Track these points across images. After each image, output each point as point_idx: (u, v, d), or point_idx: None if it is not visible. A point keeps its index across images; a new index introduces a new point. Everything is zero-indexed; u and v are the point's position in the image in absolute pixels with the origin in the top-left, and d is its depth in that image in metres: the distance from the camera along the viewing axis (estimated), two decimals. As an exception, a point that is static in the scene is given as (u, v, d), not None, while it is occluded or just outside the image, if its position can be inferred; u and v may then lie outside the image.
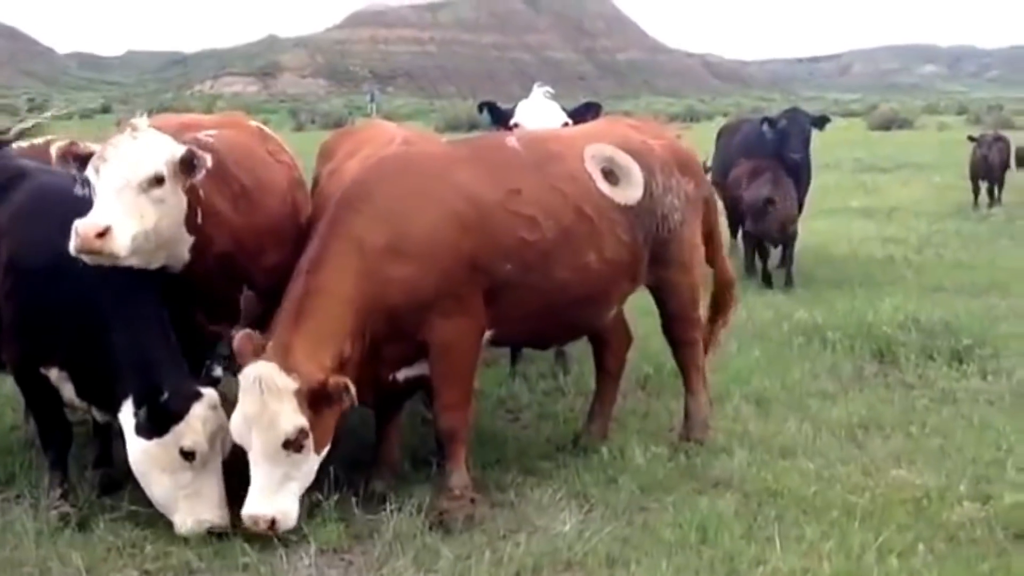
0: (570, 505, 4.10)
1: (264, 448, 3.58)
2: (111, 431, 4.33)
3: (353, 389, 3.62)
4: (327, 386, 3.61)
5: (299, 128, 36.93)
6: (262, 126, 5.07)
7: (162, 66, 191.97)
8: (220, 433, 3.80)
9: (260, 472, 3.62)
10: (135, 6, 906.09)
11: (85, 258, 3.62)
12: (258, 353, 3.68)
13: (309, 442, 3.62)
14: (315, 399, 3.61)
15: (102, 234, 3.58)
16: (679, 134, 5.23)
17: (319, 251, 3.88)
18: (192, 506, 3.79)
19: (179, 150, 3.79)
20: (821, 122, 9.43)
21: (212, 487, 3.82)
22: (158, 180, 3.73)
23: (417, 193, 4.02)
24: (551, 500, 4.15)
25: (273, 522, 3.64)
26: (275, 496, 3.63)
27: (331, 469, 3.95)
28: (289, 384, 3.56)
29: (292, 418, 3.56)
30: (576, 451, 4.72)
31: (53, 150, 3.88)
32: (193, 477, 3.79)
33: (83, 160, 3.81)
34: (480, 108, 6.53)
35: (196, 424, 3.75)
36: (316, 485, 3.87)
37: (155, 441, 3.76)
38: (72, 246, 3.59)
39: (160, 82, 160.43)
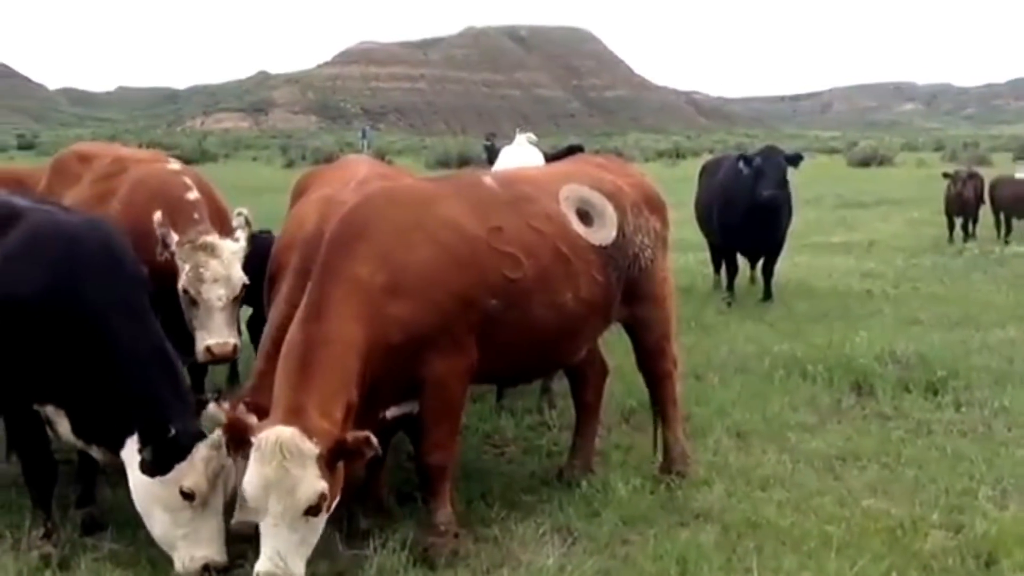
0: (553, 539, 4.16)
1: (284, 514, 3.42)
2: (95, 470, 4.34)
3: (375, 441, 3.50)
4: (347, 443, 3.47)
5: (290, 164, 37.07)
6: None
7: (153, 102, 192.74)
8: (222, 473, 3.79)
9: (277, 537, 3.43)
10: (127, 42, 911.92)
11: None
12: (261, 417, 3.59)
13: (327, 504, 3.51)
14: (333, 460, 3.48)
15: (233, 349, 4.86)
16: (643, 172, 5.34)
17: (318, 297, 3.77)
18: (190, 545, 3.76)
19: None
20: (795, 160, 9.51)
21: (211, 526, 3.79)
22: (245, 285, 4.93)
23: (409, 228, 3.98)
24: (535, 534, 4.20)
25: None
26: (290, 560, 3.44)
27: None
28: (311, 449, 3.40)
29: (315, 484, 3.41)
30: (560, 485, 4.78)
31: (156, 216, 4.85)
32: (192, 516, 3.76)
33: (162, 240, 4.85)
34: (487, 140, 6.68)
35: (199, 464, 3.73)
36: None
37: (158, 479, 3.75)
38: (205, 358, 4.84)
39: (151, 118, 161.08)
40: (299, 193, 5.41)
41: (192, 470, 3.73)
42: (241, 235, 4.98)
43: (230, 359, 5.10)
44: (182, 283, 4.78)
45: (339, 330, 3.70)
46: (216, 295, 4.78)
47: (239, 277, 4.84)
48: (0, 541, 4.16)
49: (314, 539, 3.54)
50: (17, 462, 4.39)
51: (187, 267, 4.77)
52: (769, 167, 9.19)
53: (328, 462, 3.45)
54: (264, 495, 3.42)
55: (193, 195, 5.25)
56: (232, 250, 4.87)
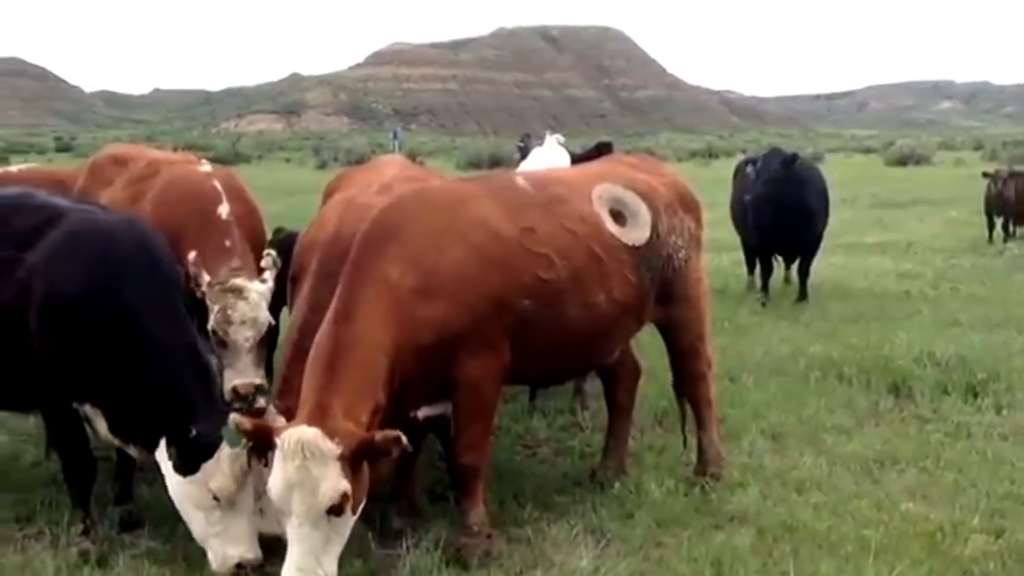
0: (587, 540, 4.15)
1: (307, 514, 3.42)
2: (133, 468, 4.40)
3: (404, 440, 3.47)
4: (371, 444, 3.47)
5: (322, 166, 37.32)
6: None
7: (188, 104, 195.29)
8: (251, 471, 3.79)
9: (301, 537, 3.44)
10: (162, 45, 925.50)
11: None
12: (289, 419, 3.62)
13: (350, 504, 3.48)
14: (357, 460, 3.47)
15: (257, 388, 4.85)
16: (675, 171, 5.31)
17: (346, 299, 3.77)
18: (221, 544, 3.78)
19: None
20: (791, 161, 9.46)
21: (241, 525, 3.80)
22: (271, 327, 5.03)
23: (440, 230, 3.98)
24: (568, 536, 4.20)
25: None
26: (317, 560, 3.44)
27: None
28: (333, 450, 3.41)
29: (336, 484, 3.41)
30: (593, 486, 4.77)
31: (191, 256, 4.96)
32: (222, 515, 3.78)
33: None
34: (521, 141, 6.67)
35: (224, 464, 3.75)
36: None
37: (189, 479, 3.80)
38: (231, 398, 4.75)
39: (186, 120, 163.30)
40: (330, 194, 5.46)
41: (218, 469, 3.75)
42: (269, 276, 5.05)
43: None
44: (211, 324, 4.91)
45: (367, 331, 3.70)
46: (243, 337, 4.89)
47: (265, 318, 4.95)
48: (40, 538, 4.22)
49: (340, 538, 3.53)
50: (56, 459, 4.45)
51: (216, 308, 4.88)
52: (763, 170, 9.31)
53: (351, 462, 3.44)
54: (287, 494, 3.43)
55: (224, 209, 5.27)
56: (259, 291, 4.96)
